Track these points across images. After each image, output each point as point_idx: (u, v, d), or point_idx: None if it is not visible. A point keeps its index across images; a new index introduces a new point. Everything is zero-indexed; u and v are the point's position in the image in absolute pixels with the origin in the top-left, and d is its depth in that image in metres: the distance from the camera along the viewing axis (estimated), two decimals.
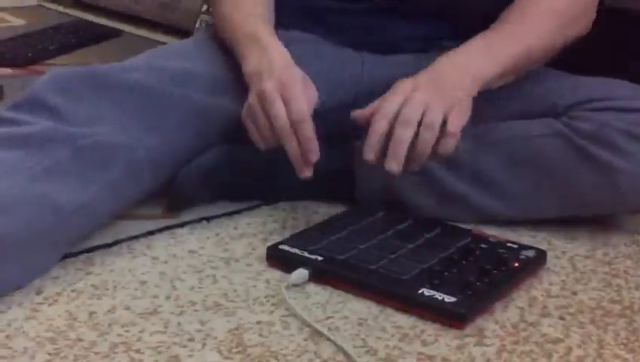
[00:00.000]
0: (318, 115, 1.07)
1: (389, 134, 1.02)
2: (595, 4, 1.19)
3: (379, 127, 1.02)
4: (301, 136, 1.04)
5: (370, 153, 1.03)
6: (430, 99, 1.03)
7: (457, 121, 1.03)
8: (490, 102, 1.14)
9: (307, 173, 1.06)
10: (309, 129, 1.04)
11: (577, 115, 1.14)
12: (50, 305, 0.93)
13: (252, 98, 1.08)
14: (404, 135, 1.01)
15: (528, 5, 1.15)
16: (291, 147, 1.05)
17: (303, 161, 1.05)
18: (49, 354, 0.83)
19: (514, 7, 1.15)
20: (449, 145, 1.03)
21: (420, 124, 1.02)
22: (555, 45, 1.16)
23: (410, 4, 1.22)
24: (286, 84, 1.05)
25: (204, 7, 1.78)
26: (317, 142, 1.05)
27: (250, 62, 1.11)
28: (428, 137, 1.02)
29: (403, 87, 1.05)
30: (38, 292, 0.94)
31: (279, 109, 1.04)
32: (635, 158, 1.10)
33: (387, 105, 1.03)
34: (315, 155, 1.05)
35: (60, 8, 2.46)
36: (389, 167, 1.02)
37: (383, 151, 1.03)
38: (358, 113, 1.07)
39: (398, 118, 1.02)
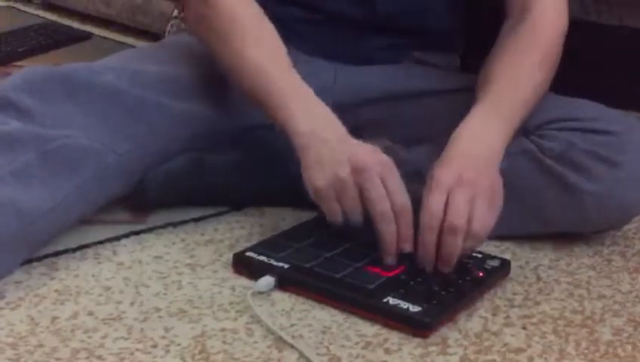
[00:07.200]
0: None
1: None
2: (564, 34, 1.17)
3: (430, 240, 0.99)
4: (402, 225, 1.00)
5: (428, 265, 1.00)
6: (473, 198, 0.99)
7: (489, 222, 1.00)
8: (460, 118, 1.15)
9: (394, 260, 1.02)
10: (410, 220, 1.01)
11: (546, 134, 1.14)
12: (12, 309, 0.92)
13: (343, 171, 1.00)
14: (453, 243, 0.98)
15: (518, 60, 1.13)
16: (390, 233, 1.00)
17: (395, 249, 1.01)
18: (9, 359, 0.83)
19: (501, 66, 1.13)
20: (475, 245, 1.02)
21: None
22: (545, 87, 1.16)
23: (381, 18, 1.23)
24: (386, 169, 1.01)
25: (176, 12, 1.77)
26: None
27: (303, 122, 1.04)
28: (469, 245, 1.00)
29: (445, 182, 0.99)
30: (0, 297, 0.93)
31: (382, 193, 1.00)
32: (601, 180, 1.11)
33: (435, 212, 0.98)
34: (410, 247, 1.01)
35: (31, 10, 2.44)
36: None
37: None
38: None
39: (445, 224, 0.98)
